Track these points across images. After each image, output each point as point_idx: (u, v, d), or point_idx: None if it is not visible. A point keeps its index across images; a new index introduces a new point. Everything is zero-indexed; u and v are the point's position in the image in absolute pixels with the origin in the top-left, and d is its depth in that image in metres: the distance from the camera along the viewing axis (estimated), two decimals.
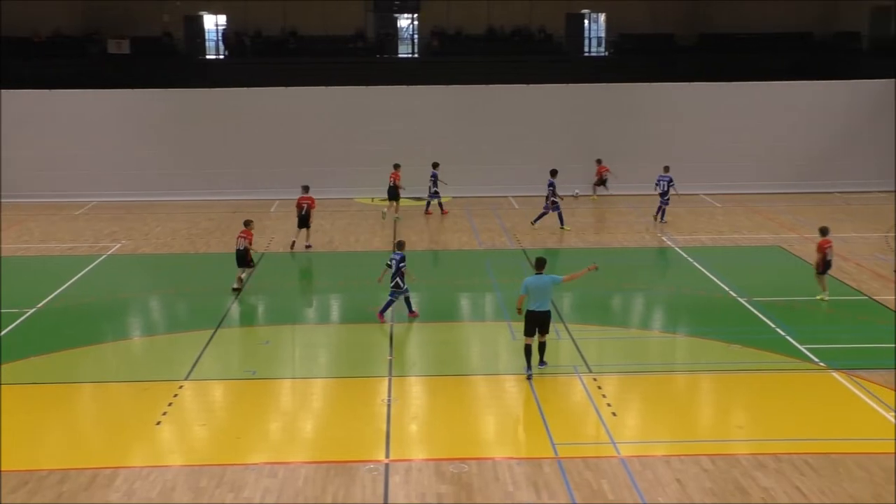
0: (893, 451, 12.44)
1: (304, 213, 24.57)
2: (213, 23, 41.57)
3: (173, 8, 39.45)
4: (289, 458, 12.49)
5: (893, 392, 14.42)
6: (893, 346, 16.72)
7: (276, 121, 32.68)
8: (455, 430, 13.40)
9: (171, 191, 32.16)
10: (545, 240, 25.59)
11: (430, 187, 29.09)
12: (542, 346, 15.58)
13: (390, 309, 18.49)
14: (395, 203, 28.43)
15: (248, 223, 21.33)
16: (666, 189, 27.63)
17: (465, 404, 14.39)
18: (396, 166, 28.69)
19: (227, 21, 40.98)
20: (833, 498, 11.28)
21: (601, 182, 32.00)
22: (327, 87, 32.88)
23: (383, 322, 18.29)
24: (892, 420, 13.46)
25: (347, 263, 23.92)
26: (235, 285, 20.70)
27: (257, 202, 31.43)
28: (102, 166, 32.33)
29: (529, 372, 15.27)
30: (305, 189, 25.02)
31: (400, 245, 18.75)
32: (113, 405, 14.56)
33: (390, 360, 16.24)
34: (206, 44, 41.50)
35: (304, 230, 24.72)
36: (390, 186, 28.43)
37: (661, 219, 27.73)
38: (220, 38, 40.92)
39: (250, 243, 20.91)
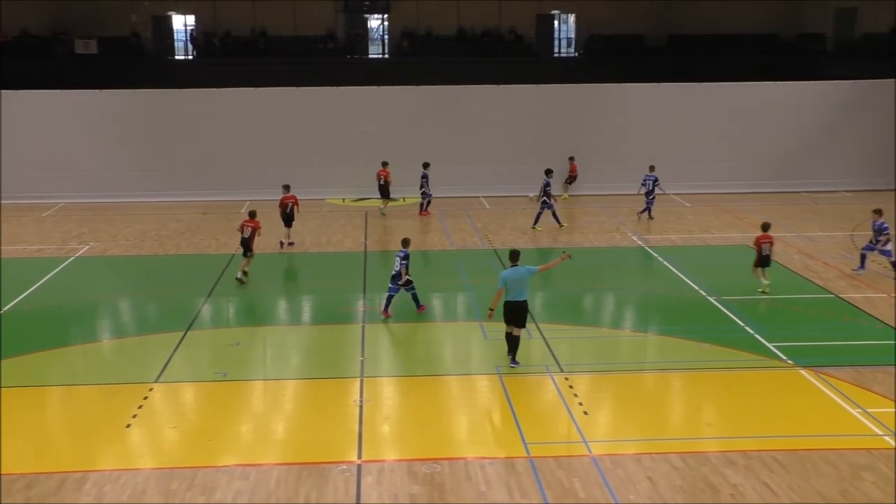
0: (860, 447, 12.61)
1: (288, 211, 24.90)
2: (181, 23, 41.30)
3: (141, 8, 39.13)
4: (261, 460, 12.44)
5: (859, 389, 14.61)
6: (861, 343, 16.98)
7: (245, 122, 32.48)
8: (427, 430, 13.41)
9: (140, 192, 31.88)
10: (516, 240, 25.65)
11: (421, 186, 29.05)
12: (515, 342, 15.82)
13: (392, 303, 18.84)
14: (386, 200, 29.22)
15: (252, 214, 22.04)
16: (651, 188, 28.05)
17: (438, 404, 14.41)
18: (384, 164, 29.15)
19: (196, 21, 40.73)
20: (801, 494, 11.41)
21: (572, 180, 32.08)
22: (297, 88, 32.73)
23: (388, 317, 18.62)
24: (858, 416, 13.64)
25: (319, 264, 23.86)
26: (238, 275, 21.36)
27: (227, 203, 31.23)
28: (70, 168, 31.96)
29: (514, 364, 15.74)
30: (286, 188, 25.32)
31: (405, 242, 19.05)
32: (82, 408, 14.43)
33: (362, 361, 16.22)
34: (175, 44, 41.21)
35: (288, 228, 24.97)
36: (381, 184, 29.04)
37: (649, 216, 28.24)
38: (188, 38, 40.66)
39: (255, 231, 21.64)
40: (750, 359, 16.17)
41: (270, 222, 25.00)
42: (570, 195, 31.78)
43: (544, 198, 26.72)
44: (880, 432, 13.11)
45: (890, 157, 33.06)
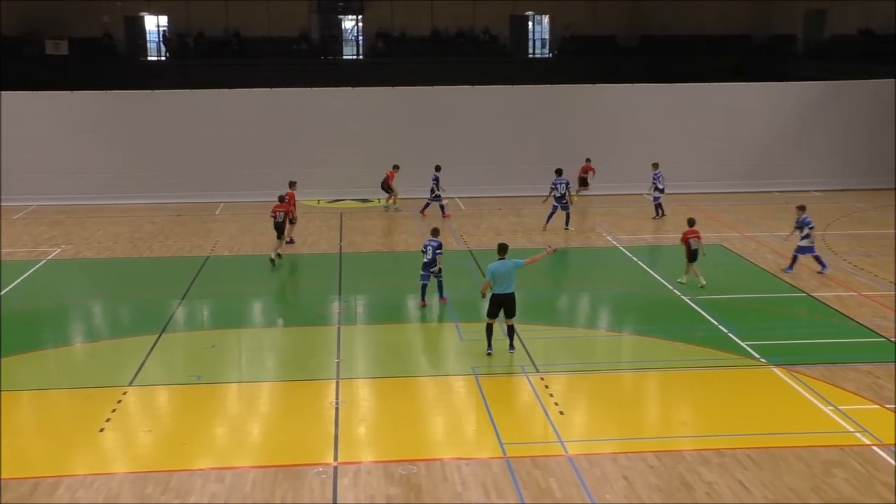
0: (832, 443, 12.75)
1: (280, 220, 24.40)
2: (154, 24, 41.04)
3: (113, 8, 38.84)
4: (236, 463, 12.39)
5: (831, 386, 14.77)
6: (832, 341, 17.19)
7: (219, 123, 32.30)
8: (403, 431, 13.41)
9: (112, 195, 31.61)
10: (491, 240, 25.64)
11: (432, 189, 28.98)
12: (510, 330, 16.39)
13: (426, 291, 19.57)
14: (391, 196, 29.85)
15: (282, 198, 23.76)
16: (660, 186, 28.57)
17: (414, 405, 14.41)
18: (396, 167, 29.66)
19: (169, 22, 40.48)
20: (774, 491, 11.52)
21: (584, 182, 31.81)
22: (271, 89, 32.61)
23: (424, 305, 19.41)
24: (830, 413, 13.79)
25: (294, 266, 23.78)
26: (272, 256, 23.06)
27: (201, 205, 31.09)
28: (41, 170, 31.62)
29: (490, 350, 16.22)
30: (292, 185, 25.42)
31: (435, 232, 19.77)
32: (54, 413, 14.29)
33: (338, 363, 16.19)
34: (148, 45, 40.95)
35: (290, 225, 24.99)
36: (385, 186, 29.71)
37: (662, 213, 28.66)
38: (161, 39, 40.40)
39: (287, 214, 23.57)
40: (724, 357, 16.30)
41: (238, 226, 24.82)
42: (580, 195, 31.40)
43: (558, 197, 26.70)
44: (851, 429, 13.27)
45: (860, 156, 33.43)
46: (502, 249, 16.45)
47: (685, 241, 20.85)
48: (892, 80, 33.64)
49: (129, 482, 11.85)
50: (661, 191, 28.65)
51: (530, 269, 17.02)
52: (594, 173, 31.48)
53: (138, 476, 12.00)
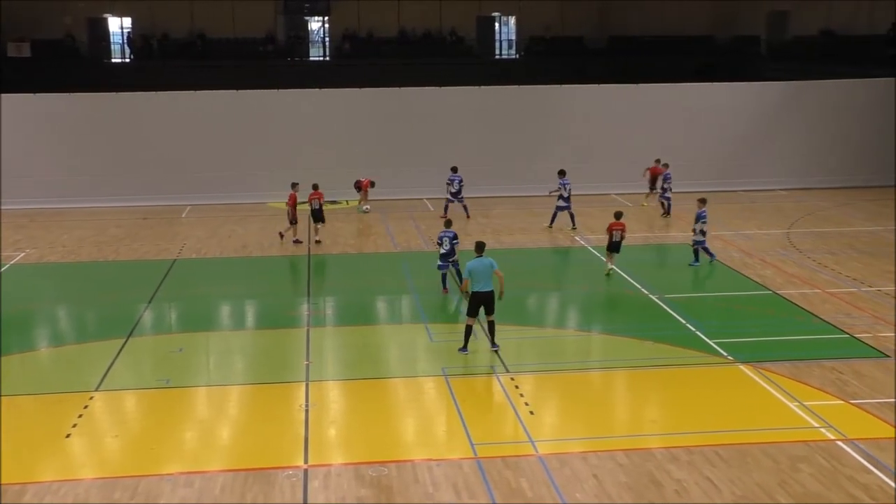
0: (798, 439, 12.90)
1: (316, 207, 25.57)
2: (117, 25, 40.63)
3: (75, 9, 38.40)
4: (205, 467, 12.30)
5: (796, 383, 14.95)
6: (798, 338, 17.40)
7: (185, 125, 32.04)
8: (374, 433, 13.39)
9: (76, 198, 31.25)
10: (461, 241, 25.65)
11: (449, 190, 28.84)
12: (490, 326, 16.47)
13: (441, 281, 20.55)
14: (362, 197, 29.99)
15: (316, 186, 25.56)
16: (666, 186, 28.82)
17: (384, 407, 14.39)
18: (373, 183, 30.02)
19: (133, 23, 40.10)
20: (742, 487, 11.64)
21: (654, 184, 30.76)
22: (237, 91, 32.40)
23: (447, 293, 20.29)
24: (796, 409, 13.96)
25: (262, 268, 23.65)
26: (318, 238, 25.37)
27: (168, 208, 30.85)
28: (4, 173, 31.15)
29: (465, 352, 16.41)
30: (294, 186, 25.65)
31: (448, 223, 20.93)
32: (20, 419, 14.07)
33: (307, 365, 16.13)
34: (111, 46, 40.54)
35: (292, 226, 25.45)
36: (357, 187, 29.80)
37: (667, 211, 28.87)
38: (125, 40, 40.01)
39: (321, 201, 25.38)
40: (691, 355, 16.45)
41: (205, 230, 24.66)
42: (649, 200, 30.76)
43: (566, 198, 26.92)
44: (816, 424, 13.45)
45: (823, 156, 33.85)
46: (479, 248, 16.65)
47: (609, 231, 21.67)
48: (854, 80, 34.10)
49: (96, 488, 11.73)
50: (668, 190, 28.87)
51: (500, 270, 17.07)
52: (662, 176, 30.09)
53: (106, 482, 11.88)
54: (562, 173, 27.23)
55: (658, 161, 30.74)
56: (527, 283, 22.86)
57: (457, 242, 20.49)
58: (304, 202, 25.79)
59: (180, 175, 31.90)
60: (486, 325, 16.62)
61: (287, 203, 25.44)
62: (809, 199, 31.70)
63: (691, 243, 22.86)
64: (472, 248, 16.87)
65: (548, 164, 31.78)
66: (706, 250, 22.67)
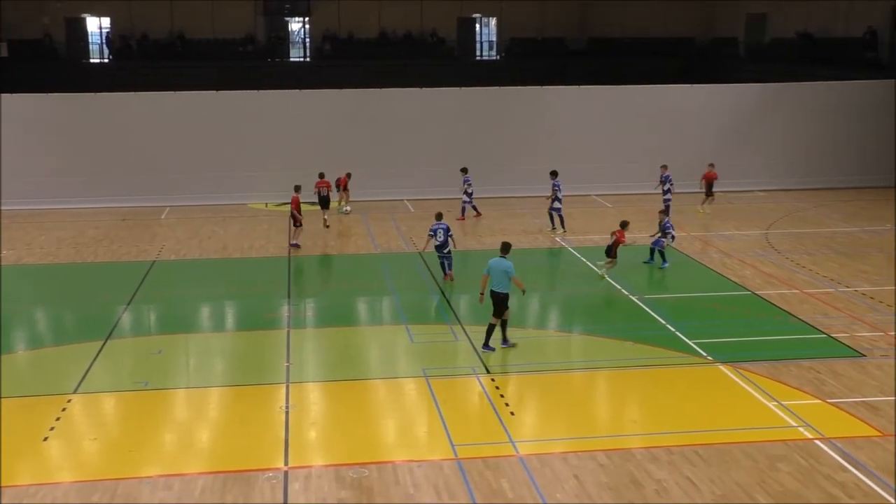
0: (776, 438, 12.99)
1: (325, 194, 27.68)
2: (96, 25, 40.42)
3: (53, 9, 38.15)
4: (185, 470, 12.24)
5: (775, 382, 15.05)
6: (776, 338, 17.52)
7: (164, 126, 31.85)
8: (354, 434, 13.37)
9: (55, 199, 31.00)
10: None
11: (465, 191, 28.84)
12: (491, 328, 16.60)
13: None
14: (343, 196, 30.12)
15: (322, 175, 27.51)
16: (668, 187, 28.27)
17: (365, 408, 14.37)
18: (348, 175, 30.05)
19: (112, 23, 39.90)
20: (721, 486, 11.71)
21: (710, 189, 29.98)
22: (217, 92, 32.25)
23: (452, 280, 21.44)
24: (774, 409, 14.05)
25: (242, 270, 23.57)
26: (327, 224, 27.29)
27: (147, 209, 30.66)
28: None
29: (488, 349, 16.55)
30: (297, 189, 25.75)
31: (440, 216, 21.78)
32: None
33: (288, 367, 16.08)
34: (90, 47, 40.31)
35: (296, 228, 25.49)
36: (337, 185, 29.70)
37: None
38: (104, 41, 39.79)
39: (329, 189, 27.57)
40: (671, 356, 16.53)
41: (184, 230, 24.53)
42: (706, 207, 29.95)
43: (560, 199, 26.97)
44: (794, 423, 13.54)
45: (801, 157, 34.09)
46: (504, 248, 16.84)
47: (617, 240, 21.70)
48: (831, 82, 34.37)
49: (74, 491, 11.64)
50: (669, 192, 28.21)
51: (479, 270, 17.12)
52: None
53: (84, 485, 11.80)
54: (554, 174, 27.26)
55: (712, 165, 30.20)
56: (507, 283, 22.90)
57: (451, 234, 21.46)
58: (304, 201, 26.19)
59: (159, 176, 31.71)
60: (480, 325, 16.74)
61: (291, 206, 25.27)
62: (787, 200, 31.92)
63: (653, 244, 22.88)
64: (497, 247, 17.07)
65: (528, 165, 31.92)
66: (661, 254, 22.73)
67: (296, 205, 25.11)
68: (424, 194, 31.62)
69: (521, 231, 27.28)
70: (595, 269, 21.82)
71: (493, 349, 16.58)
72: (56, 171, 31.38)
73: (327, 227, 27.32)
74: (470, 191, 28.76)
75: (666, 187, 28.42)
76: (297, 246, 25.15)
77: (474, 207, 29.15)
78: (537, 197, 31.41)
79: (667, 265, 22.66)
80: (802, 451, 12.62)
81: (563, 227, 27.02)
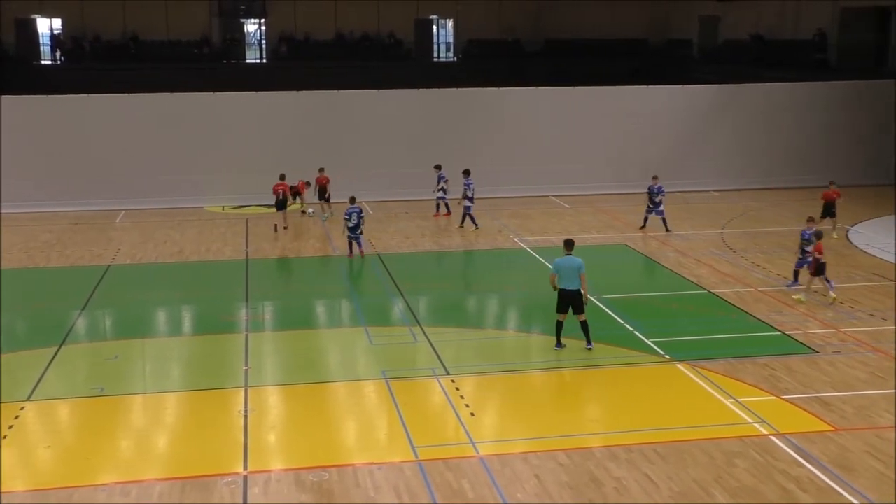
0: (733, 435, 13.16)
1: (281, 197, 27.21)
2: (47, 26, 39.79)
3: (2, 10, 37.48)
4: (142, 476, 12.09)
5: (731, 380, 15.25)
6: (733, 336, 17.74)
7: (118, 129, 31.38)
8: (314, 438, 13.31)
9: (5, 203, 30.34)
10: (399, 244, 25.72)
11: (444, 189, 28.79)
12: (583, 326, 16.54)
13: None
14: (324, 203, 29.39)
15: (283, 176, 27.25)
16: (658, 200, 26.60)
17: (324, 411, 14.31)
18: (321, 169, 29.31)
19: (63, 24, 39.32)
20: (679, 483, 11.83)
21: (831, 211, 25.92)
22: (172, 94, 31.87)
23: (352, 257, 23.63)
24: (731, 406, 14.23)
25: (199, 273, 23.34)
26: (286, 224, 27.14)
27: (101, 213, 30.22)
28: None
29: (560, 346, 16.58)
30: (282, 176, 27.30)
31: (353, 199, 23.85)
32: None
33: (246, 371, 15.96)
34: (41, 48, 39.68)
35: (282, 212, 27.09)
36: (319, 188, 29.02)
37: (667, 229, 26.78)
38: (55, 42, 39.20)
39: (286, 191, 27.12)
40: (630, 355, 16.67)
41: (140, 234, 24.20)
42: (838, 231, 26.16)
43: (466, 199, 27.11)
44: (750, 420, 13.73)
45: (755, 157, 34.54)
46: (569, 245, 16.62)
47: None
48: (783, 83, 34.90)
49: (28, 500, 11.46)
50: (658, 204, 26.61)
51: (438, 272, 17.12)
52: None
53: (38, 493, 11.62)
54: (466, 173, 27.36)
55: (832, 183, 26.63)
56: (466, 284, 22.99)
57: (363, 216, 23.75)
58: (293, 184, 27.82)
59: (114, 179, 31.24)
60: (578, 324, 16.62)
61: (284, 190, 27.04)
62: (742, 200, 32.34)
63: None
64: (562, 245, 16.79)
65: (486, 166, 31.94)
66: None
67: (294, 189, 27.48)
68: (383, 196, 31.55)
69: (481, 232, 27.27)
70: (796, 297, 20.08)
71: (564, 346, 16.60)
72: (6, 174, 30.73)
73: (285, 228, 27.07)
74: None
75: (658, 199, 26.52)
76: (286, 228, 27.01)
77: (447, 205, 29.03)
78: (495, 198, 31.57)
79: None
80: (758, 447, 12.80)
81: (474, 224, 27.18)
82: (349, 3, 40.72)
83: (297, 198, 29.36)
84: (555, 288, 16.56)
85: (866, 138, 34.67)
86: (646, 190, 27.31)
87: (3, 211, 30.01)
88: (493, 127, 33.21)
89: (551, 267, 16.67)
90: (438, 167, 29.05)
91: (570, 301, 16.43)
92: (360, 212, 23.70)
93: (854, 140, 34.62)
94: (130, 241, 26.38)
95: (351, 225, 23.46)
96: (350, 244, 23.73)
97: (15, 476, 12.24)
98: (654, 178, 27.04)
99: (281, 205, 27.21)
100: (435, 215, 28.98)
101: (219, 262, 24.08)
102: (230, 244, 26.00)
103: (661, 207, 26.70)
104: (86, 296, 20.60)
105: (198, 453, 12.84)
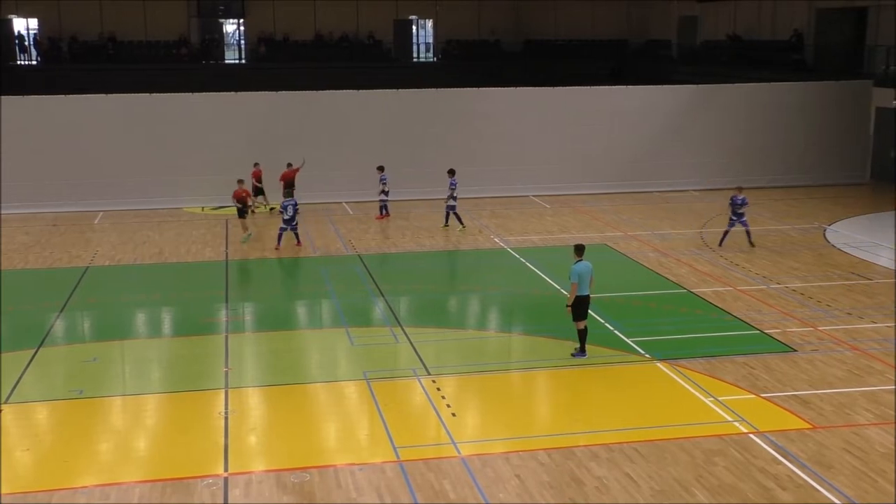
0: (713, 433, 13.25)
1: (240, 205, 26.66)
2: (23, 26, 39.50)
3: None
4: (122, 479, 12.03)
5: (711, 378, 15.35)
6: (712, 335, 17.85)
7: (96, 130, 31.18)
8: (296, 439, 13.28)
9: None
10: (380, 244, 25.71)
11: (385, 191, 28.80)
12: (582, 333, 16.32)
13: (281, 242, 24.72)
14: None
15: (241, 181, 26.79)
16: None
17: (306, 413, 14.28)
18: (289, 165, 29.22)
19: (40, 25, 39.04)
20: (660, 482, 11.89)
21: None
22: (150, 95, 31.70)
23: (278, 249, 24.56)
24: (710, 404, 14.32)
25: (179, 274, 23.22)
26: (249, 232, 26.36)
27: (79, 214, 30.03)
28: None
29: (583, 355, 16.28)
30: (240, 181, 26.85)
31: (289, 192, 25.23)
32: None
33: (227, 372, 15.91)
34: (17, 48, 39.38)
35: (242, 220, 26.44)
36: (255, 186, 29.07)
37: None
38: (32, 42, 38.91)
39: (246, 197, 26.62)
40: (610, 354, 16.73)
41: (119, 235, 24.11)
42: None
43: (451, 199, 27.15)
44: (730, 418, 13.82)
45: (733, 156, 34.75)
46: (580, 250, 16.35)
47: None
48: (760, 83, 35.14)
49: (7, 502, 11.35)
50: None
51: (419, 272, 17.12)
52: None
53: (16, 497, 11.52)
54: (451, 172, 27.43)
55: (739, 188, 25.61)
56: (447, 284, 22.99)
57: (298, 209, 24.85)
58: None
59: (92, 180, 31.03)
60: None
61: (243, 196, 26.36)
62: (721, 199, 32.43)
63: None
64: (573, 250, 16.48)
65: (466, 167, 31.95)
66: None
67: (243, 195, 26.35)
68: (363, 196, 31.50)
69: (463, 232, 27.28)
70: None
71: (586, 354, 16.33)
72: None
73: (249, 234, 26.23)
74: (386, 189, 28.72)
75: (740, 210, 24.55)
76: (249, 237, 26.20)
77: (386, 207, 29.09)
78: (475, 198, 31.62)
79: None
80: (738, 445, 12.89)
81: (460, 223, 27.25)
82: (328, 3, 40.67)
83: (260, 197, 29.20)
84: (568, 305, 16.14)
85: (843, 138, 34.98)
86: (728, 201, 25.22)
87: None
88: (472, 127, 33.23)
89: (572, 277, 16.13)
90: (381, 168, 29.06)
91: (588, 306, 16.34)
92: (296, 204, 24.85)
93: (831, 139, 34.93)
94: (109, 242, 26.22)
95: (286, 217, 24.66)
96: (280, 236, 24.81)
97: None
98: (739, 188, 25.21)
99: (241, 212, 26.32)
100: (377, 217, 28.96)
101: (198, 264, 23.98)
102: (210, 245, 25.89)
103: (745, 219, 24.78)
104: (64, 297, 20.46)
105: (178, 455, 12.78)
